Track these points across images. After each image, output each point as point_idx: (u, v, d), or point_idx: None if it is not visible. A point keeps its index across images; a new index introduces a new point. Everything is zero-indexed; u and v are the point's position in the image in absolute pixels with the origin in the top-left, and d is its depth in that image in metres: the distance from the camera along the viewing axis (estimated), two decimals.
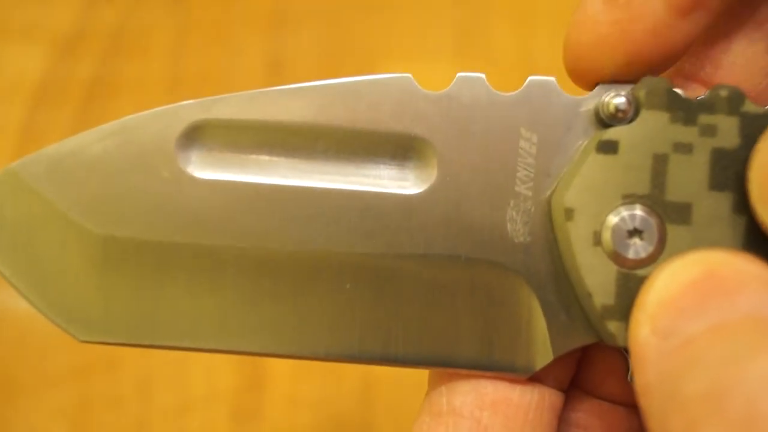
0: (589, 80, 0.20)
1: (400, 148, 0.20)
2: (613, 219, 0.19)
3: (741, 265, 0.16)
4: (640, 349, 0.16)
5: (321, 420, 0.37)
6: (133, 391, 0.37)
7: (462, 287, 0.20)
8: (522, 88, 0.20)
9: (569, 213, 0.19)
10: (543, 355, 0.20)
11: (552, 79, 0.20)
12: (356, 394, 0.37)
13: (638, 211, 0.19)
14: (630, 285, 0.19)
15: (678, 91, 0.19)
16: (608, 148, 0.19)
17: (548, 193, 0.20)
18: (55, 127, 0.44)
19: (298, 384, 0.37)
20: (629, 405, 0.21)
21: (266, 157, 0.20)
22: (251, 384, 0.37)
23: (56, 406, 0.37)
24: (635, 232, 0.19)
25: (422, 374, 0.21)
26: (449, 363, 0.20)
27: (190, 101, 0.20)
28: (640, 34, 0.19)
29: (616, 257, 0.19)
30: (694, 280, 0.16)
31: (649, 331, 0.16)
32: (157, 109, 0.20)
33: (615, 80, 0.20)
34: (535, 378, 0.20)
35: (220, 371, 0.37)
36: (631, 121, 0.19)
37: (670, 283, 0.16)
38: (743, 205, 0.18)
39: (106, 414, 0.37)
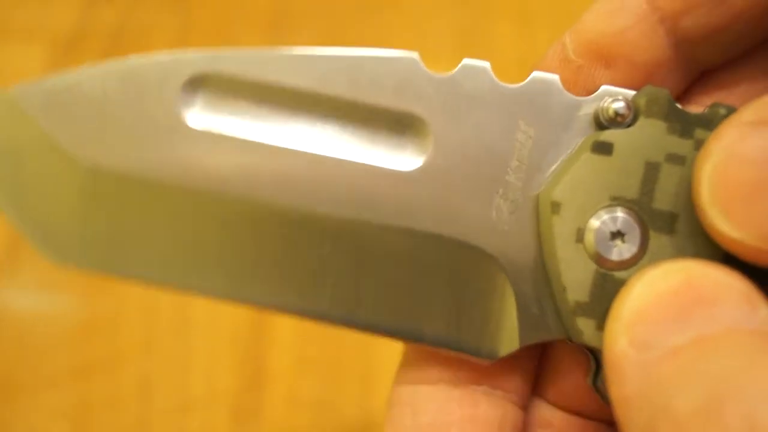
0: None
1: (397, 125, 0.20)
2: (598, 218, 0.19)
3: (719, 276, 0.16)
4: (617, 361, 0.16)
5: (321, 420, 0.37)
6: (133, 391, 0.37)
7: (440, 266, 0.20)
8: (525, 81, 0.20)
9: (556, 207, 0.19)
10: (509, 343, 0.20)
11: (556, 76, 0.20)
12: (356, 394, 0.37)
13: (624, 214, 0.19)
14: (606, 285, 0.19)
15: (677, 104, 0.19)
16: (603, 149, 0.19)
17: (538, 186, 0.20)
18: None
19: (298, 384, 0.37)
20: (589, 415, 0.21)
21: (264, 117, 0.20)
22: (251, 384, 0.37)
23: (56, 406, 0.37)
24: (618, 235, 0.19)
25: None
26: (416, 337, 0.20)
27: (197, 51, 0.20)
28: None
29: (597, 256, 0.19)
30: (671, 290, 0.16)
31: (626, 342, 0.16)
32: (162, 54, 0.20)
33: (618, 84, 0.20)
34: (497, 389, 0.20)
35: (220, 371, 0.37)
36: (628, 126, 0.19)
37: (647, 292, 0.16)
38: None
39: (106, 414, 0.37)
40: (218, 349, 0.38)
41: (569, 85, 0.20)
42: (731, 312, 0.15)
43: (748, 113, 0.16)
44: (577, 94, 0.20)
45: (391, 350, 0.22)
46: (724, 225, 0.16)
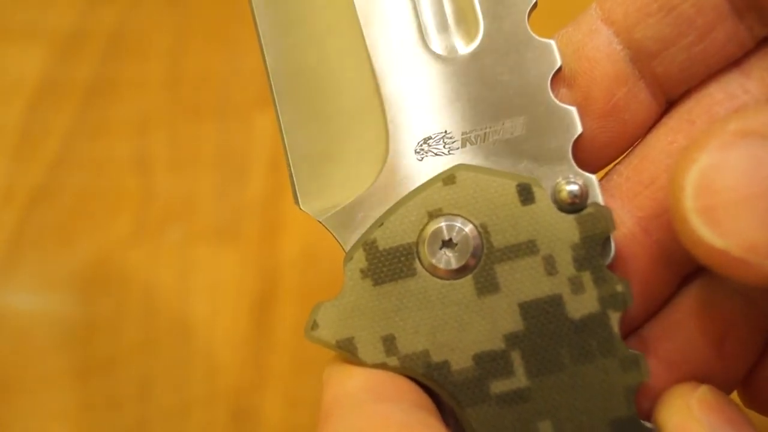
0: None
1: (463, 14, 0.20)
2: (454, 221, 0.19)
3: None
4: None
5: None
6: (133, 391, 0.37)
7: (363, 117, 0.20)
8: (565, 106, 0.20)
9: (449, 180, 0.19)
10: (319, 209, 0.20)
11: (581, 130, 0.20)
12: None
13: (473, 241, 0.19)
14: (401, 260, 0.19)
15: (611, 243, 0.19)
16: (525, 196, 0.19)
17: (465, 160, 0.20)
18: (55, 127, 0.44)
19: (298, 384, 0.37)
20: None
21: None
22: (251, 384, 0.37)
23: (56, 406, 0.37)
24: (452, 245, 0.19)
25: None
26: (287, 125, 0.20)
27: None
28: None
29: (422, 239, 0.19)
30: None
31: None
32: None
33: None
34: None
35: (220, 371, 0.37)
36: (560, 208, 0.19)
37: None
38: (515, 343, 0.19)
39: (106, 414, 0.37)
40: (218, 349, 0.38)
41: (563, 99, 0.20)
42: None
43: (732, 122, 0.16)
44: None
45: None
46: (707, 232, 0.16)
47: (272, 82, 0.21)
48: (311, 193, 0.20)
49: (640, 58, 0.20)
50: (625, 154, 0.21)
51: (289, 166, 0.20)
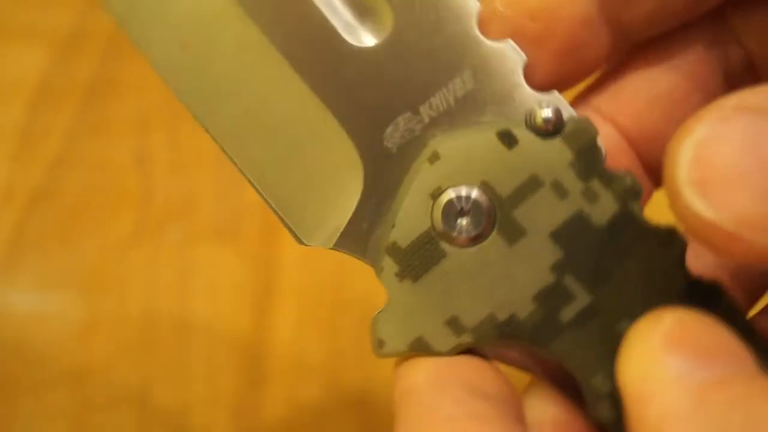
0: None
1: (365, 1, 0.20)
2: (458, 191, 0.19)
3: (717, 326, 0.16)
4: (654, 384, 0.16)
5: (321, 421, 0.37)
6: (133, 391, 0.37)
7: (320, 138, 0.20)
8: (497, 43, 0.20)
9: (434, 157, 0.20)
10: (325, 239, 0.20)
11: (524, 58, 0.20)
12: (356, 394, 0.37)
13: (481, 200, 0.19)
14: (427, 246, 0.20)
15: (601, 147, 0.19)
16: (508, 140, 0.20)
17: (435, 133, 0.20)
18: (55, 127, 0.44)
19: (298, 384, 0.37)
20: None
21: None
22: (251, 384, 0.37)
23: (56, 406, 0.37)
24: (466, 213, 0.19)
25: None
26: (261, 183, 0.20)
27: None
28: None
29: (436, 219, 0.19)
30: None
31: (667, 366, 0.16)
32: None
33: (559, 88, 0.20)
34: None
35: (220, 371, 0.37)
36: (544, 137, 0.19)
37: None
38: (563, 269, 0.19)
39: (106, 414, 0.37)
40: (218, 349, 0.38)
41: (491, 37, 0.20)
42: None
43: (731, 99, 0.16)
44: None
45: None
46: (700, 204, 0.15)
47: (224, 147, 0.20)
48: (308, 228, 0.20)
49: (610, 4, 0.20)
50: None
51: (275, 212, 0.20)
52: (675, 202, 0.16)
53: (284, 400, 0.37)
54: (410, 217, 0.20)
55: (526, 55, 0.20)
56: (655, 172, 0.22)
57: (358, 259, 0.20)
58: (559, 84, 0.21)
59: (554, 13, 0.20)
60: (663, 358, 0.16)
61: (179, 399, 0.37)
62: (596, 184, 0.19)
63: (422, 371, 0.19)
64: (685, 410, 0.15)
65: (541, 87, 0.20)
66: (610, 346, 0.19)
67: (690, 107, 0.21)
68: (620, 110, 0.21)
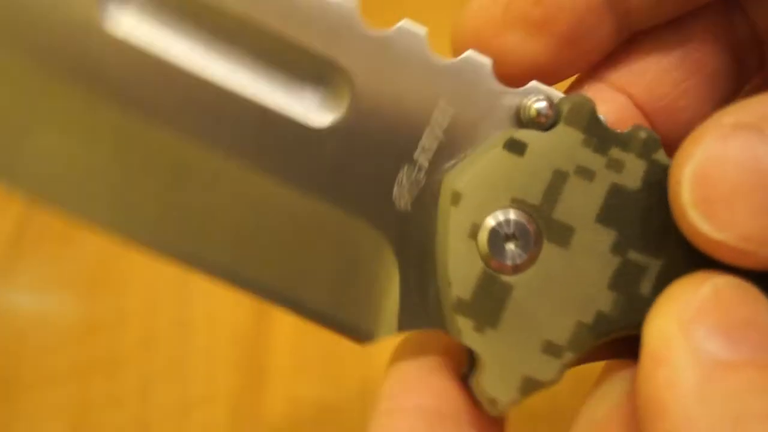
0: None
1: (318, 72, 0.19)
2: (495, 218, 0.19)
3: (752, 291, 0.16)
4: (673, 358, 0.15)
5: (321, 420, 0.37)
6: (133, 391, 0.37)
7: (330, 234, 0.19)
8: (457, 59, 0.19)
9: (456, 197, 0.19)
10: (387, 327, 0.19)
11: (489, 60, 0.19)
12: (356, 394, 0.37)
13: (521, 218, 0.19)
14: (491, 287, 0.19)
15: (601, 117, 0.19)
16: (516, 148, 0.19)
17: (443, 172, 0.19)
18: None
19: (298, 384, 0.37)
20: None
21: (187, 36, 0.19)
22: (251, 384, 0.37)
23: (56, 406, 0.37)
24: (511, 238, 0.19)
25: None
26: (294, 305, 0.19)
27: None
28: (510, 37, 0.20)
29: (487, 256, 0.19)
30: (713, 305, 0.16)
31: (683, 340, 0.16)
32: None
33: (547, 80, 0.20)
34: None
35: (220, 371, 0.37)
36: (547, 129, 0.19)
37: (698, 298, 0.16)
38: (622, 246, 0.19)
39: (106, 414, 0.37)
40: (218, 349, 0.38)
41: (493, 22, 0.20)
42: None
43: (727, 116, 0.17)
44: (502, 35, 0.19)
45: (391, 351, 0.22)
46: (706, 226, 0.16)
47: (249, 292, 0.19)
48: (366, 325, 0.19)
49: None
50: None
51: (326, 327, 0.19)
52: (682, 222, 0.17)
53: (284, 399, 0.37)
54: (461, 266, 0.19)
55: (531, 43, 0.19)
56: (667, 141, 0.22)
57: (428, 330, 0.19)
58: (560, 73, 0.21)
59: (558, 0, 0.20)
60: (688, 326, 0.16)
61: (179, 398, 0.37)
62: (616, 152, 0.19)
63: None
64: (690, 384, 0.15)
65: (543, 75, 0.20)
66: None
67: (700, 78, 0.21)
68: (632, 82, 0.21)
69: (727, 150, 0.16)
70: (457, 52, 0.20)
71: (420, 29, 0.19)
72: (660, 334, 0.16)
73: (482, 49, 0.19)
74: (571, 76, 0.21)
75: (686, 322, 0.16)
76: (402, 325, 0.19)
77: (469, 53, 0.19)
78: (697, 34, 0.21)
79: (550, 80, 0.20)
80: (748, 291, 0.16)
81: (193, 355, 0.38)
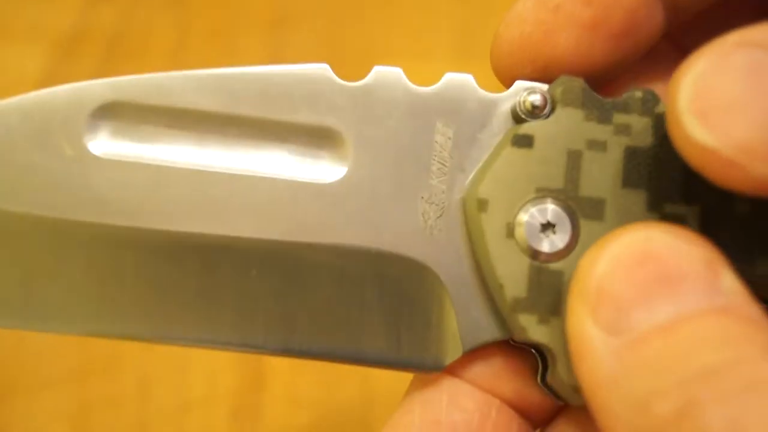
0: (510, 78, 0.20)
1: (313, 138, 0.20)
2: (526, 212, 0.19)
3: (679, 244, 0.16)
4: (584, 344, 0.16)
5: (321, 420, 0.37)
6: (133, 391, 0.37)
7: (371, 280, 0.19)
8: (439, 83, 0.20)
9: (483, 204, 0.19)
10: (453, 350, 0.19)
11: (469, 76, 0.20)
12: (356, 394, 0.37)
13: (552, 204, 0.19)
14: (542, 278, 0.19)
15: (593, 92, 0.19)
16: (523, 142, 0.19)
17: (463, 187, 0.20)
18: None
19: (298, 384, 0.37)
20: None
21: (175, 141, 0.20)
22: (251, 384, 0.37)
23: (56, 407, 0.37)
24: (548, 226, 0.19)
25: None
26: (356, 358, 0.20)
27: (101, 80, 0.19)
28: (562, 40, 0.19)
29: (529, 250, 0.19)
30: (633, 263, 0.16)
31: (591, 323, 0.16)
32: (67, 85, 0.20)
33: (534, 80, 0.20)
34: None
35: (220, 371, 0.37)
36: (547, 117, 0.19)
37: (609, 269, 0.16)
38: (656, 203, 0.19)
39: (106, 414, 0.37)
40: None
41: (544, 27, 0.20)
42: (695, 287, 0.15)
43: (732, 35, 0.16)
44: (554, 38, 0.19)
45: None
46: (699, 131, 0.16)
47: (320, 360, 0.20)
48: (431, 355, 0.19)
49: None
50: None
51: (393, 369, 0.20)
52: (675, 130, 0.16)
53: (284, 400, 0.37)
54: (507, 267, 0.19)
55: (585, 44, 0.19)
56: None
57: (497, 340, 0.19)
58: (613, 69, 0.20)
59: None
60: (593, 315, 0.16)
61: (179, 399, 0.37)
62: (619, 117, 0.19)
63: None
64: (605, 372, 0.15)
65: (597, 73, 0.20)
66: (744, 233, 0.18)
67: None
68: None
69: (731, 61, 0.16)
70: (500, 59, 0.20)
71: (395, 69, 0.20)
72: (574, 332, 0.16)
73: (531, 54, 0.20)
74: (625, 68, 0.21)
75: (591, 310, 0.16)
76: (466, 344, 0.19)
77: (448, 75, 0.20)
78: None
79: (603, 77, 0.20)
80: (677, 239, 0.16)
81: (193, 356, 0.37)
